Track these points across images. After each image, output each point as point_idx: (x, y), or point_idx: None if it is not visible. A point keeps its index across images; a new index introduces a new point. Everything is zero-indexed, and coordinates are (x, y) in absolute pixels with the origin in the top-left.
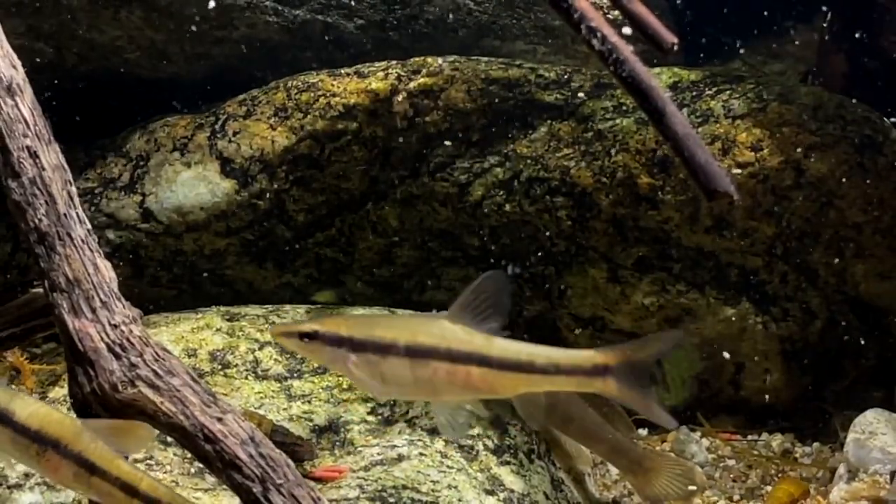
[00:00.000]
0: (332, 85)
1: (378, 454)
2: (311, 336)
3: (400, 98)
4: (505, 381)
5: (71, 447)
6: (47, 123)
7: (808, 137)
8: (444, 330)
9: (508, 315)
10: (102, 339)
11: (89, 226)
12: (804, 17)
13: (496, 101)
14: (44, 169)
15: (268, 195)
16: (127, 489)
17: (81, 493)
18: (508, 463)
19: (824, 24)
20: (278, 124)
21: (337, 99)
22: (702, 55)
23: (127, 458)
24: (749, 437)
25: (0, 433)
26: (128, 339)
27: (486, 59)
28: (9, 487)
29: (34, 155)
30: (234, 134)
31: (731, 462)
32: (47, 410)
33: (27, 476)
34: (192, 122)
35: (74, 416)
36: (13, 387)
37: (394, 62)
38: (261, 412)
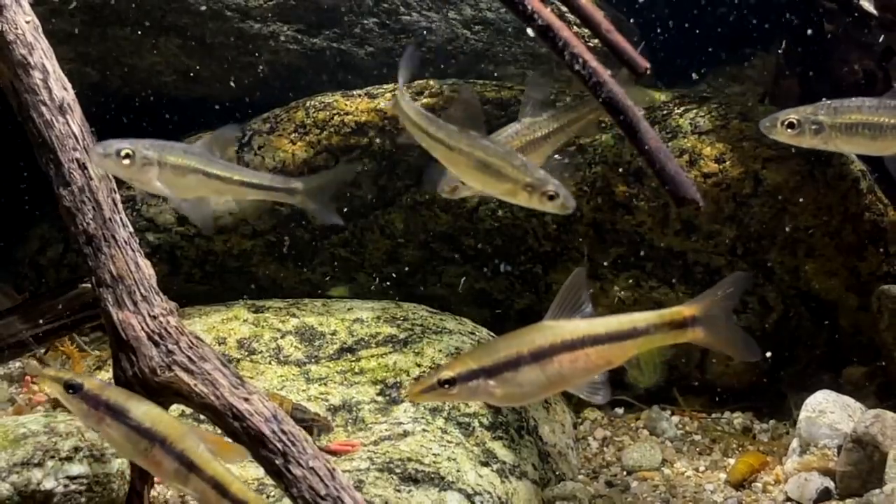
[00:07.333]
0: (346, 105)
1: (386, 430)
2: (451, 382)
3: None
4: (618, 351)
5: (175, 445)
6: (94, 139)
7: (765, 151)
8: (551, 328)
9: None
10: (143, 328)
11: (131, 229)
12: (762, 44)
13: (490, 118)
14: (91, 179)
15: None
16: (219, 489)
17: (178, 489)
18: (501, 438)
19: (779, 52)
20: (298, 139)
21: (350, 117)
22: (667, 79)
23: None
24: (713, 415)
25: (116, 428)
26: (165, 329)
27: (481, 81)
28: (60, 459)
29: (83, 167)
30: (259, 148)
31: (698, 437)
32: (159, 412)
33: (76, 450)
34: None
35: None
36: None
37: None
38: (282, 393)
